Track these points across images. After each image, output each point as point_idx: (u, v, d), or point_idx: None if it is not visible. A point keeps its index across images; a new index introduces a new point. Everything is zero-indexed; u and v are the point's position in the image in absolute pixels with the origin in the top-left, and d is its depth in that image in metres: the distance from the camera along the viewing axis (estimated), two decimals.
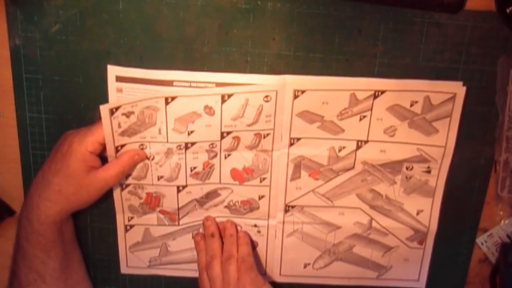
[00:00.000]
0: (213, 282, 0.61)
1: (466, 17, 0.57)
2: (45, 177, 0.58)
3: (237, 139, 0.61)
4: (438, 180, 0.64)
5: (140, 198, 0.64)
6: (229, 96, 0.58)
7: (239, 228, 0.67)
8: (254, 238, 0.67)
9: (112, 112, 0.56)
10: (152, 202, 0.64)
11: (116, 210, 0.65)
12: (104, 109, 0.56)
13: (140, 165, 0.61)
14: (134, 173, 0.61)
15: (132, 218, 0.65)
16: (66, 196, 0.57)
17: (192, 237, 0.67)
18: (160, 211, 0.65)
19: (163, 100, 0.57)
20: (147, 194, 0.63)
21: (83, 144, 0.56)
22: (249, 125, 0.60)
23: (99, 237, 0.67)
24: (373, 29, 0.58)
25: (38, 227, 0.58)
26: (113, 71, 0.59)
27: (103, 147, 0.58)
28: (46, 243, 0.59)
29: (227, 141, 0.61)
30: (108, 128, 0.56)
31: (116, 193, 0.63)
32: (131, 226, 0.66)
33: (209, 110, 0.58)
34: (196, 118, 0.58)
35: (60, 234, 0.60)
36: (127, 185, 0.62)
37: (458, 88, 0.59)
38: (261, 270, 0.69)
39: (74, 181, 0.57)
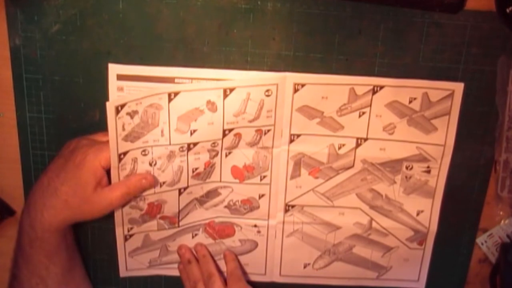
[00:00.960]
0: None
1: (466, 17, 0.58)
2: (51, 184, 0.57)
3: (238, 136, 0.61)
4: (438, 180, 0.64)
5: (141, 210, 0.63)
6: (231, 90, 0.58)
7: (238, 228, 0.67)
8: (254, 238, 0.67)
9: (117, 111, 0.55)
10: (153, 211, 0.63)
11: (116, 224, 0.64)
12: (110, 106, 0.55)
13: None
14: None
15: (131, 228, 0.65)
16: (71, 206, 0.57)
17: (192, 237, 0.67)
18: (161, 217, 0.65)
19: (166, 97, 0.57)
20: (149, 204, 0.63)
21: (98, 158, 0.56)
22: (250, 121, 0.60)
23: (99, 237, 0.67)
24: (373, 29, 0.58)
25: (42, 234, 0.57)
26: (114, 69, 0.59)
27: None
28: (50, 249, 0.59)
29: (229, 139, 0.61)
30: (113, 130, 0.56)
31: (117, 210, 0.62)
32: (131, 235, 0.66)
33: (211, 106, 0.58)
34: (198, 115, 0.58)
35: (64, 240, 0.60)
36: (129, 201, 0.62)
37: (456, 85, 0.60)
38: (261, 270, 0.69)
39: (82, 194, 0.56)
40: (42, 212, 0.57)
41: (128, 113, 0.56)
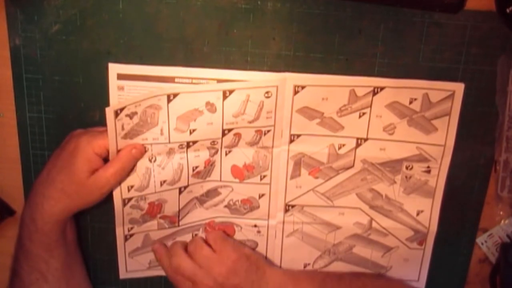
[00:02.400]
0: (193, 276, 0.60)
1: (466, 17, 0.58)
2: (49, 174, 0.58)
3: (238, 135, 0.61)
4: (438, 180, 0.64)
5: (141, 210, 0.63)
6: (231, 92, 0.58)
7: (238, 228, 0.67)
8: (254, 238, 0.67)
9: (116, 114, 0.56)
10: (153, 211, 0.63)
11: (116, 224, 0.64)
12: (109, 112, 0.55)
13: (142, 171, 0.60)
14: (137, 184, 0.60)
15: (132, 228, 0.65)
16: (69, 194, 0.57)
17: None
18: (161, 217, 0.65)
19: (165, 98, 0.57)
20: (149, 204, 0.63)
21: (91, 145, 0.56)
22: (250, 122, 0.60)
23: (99, 237, 0.67)
24: (373, 29, 0.58)
25: (42, 226, 0.58)
26: (114, 69, 0.59)
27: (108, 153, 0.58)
28: (49, 243, 0.59)
29: (228, 138, 0.61)
30: (112, 132, 0.56)
31: (118, 209, 0.62)
32: (131, 235, 0.66)
33: (210, 107, 0.58)
34: (197, 116, 0.58)
35: (63, 234, 0.60)
36: (129, 199, 0.62)
37: (457, 86, 0.60)
38: None
39: (77, 180, 0.56)
40: (42, 203, 0.57)
41: (127, 115, 0.56)
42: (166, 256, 0.63)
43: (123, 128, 0.57)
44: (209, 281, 0.60)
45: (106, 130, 0.56)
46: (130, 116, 0.56)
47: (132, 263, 0.68)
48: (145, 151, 0.59)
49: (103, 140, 0.56)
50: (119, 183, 0.60)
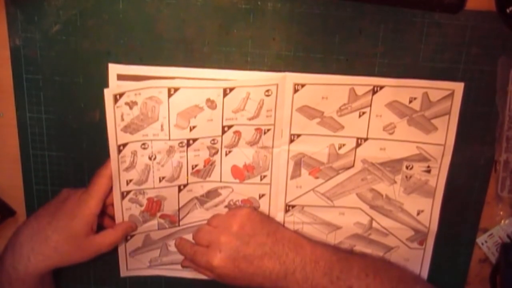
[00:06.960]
0: (209, 235, 0.62)
1: (466, 17, 0.58)
2: (42, 231, 0.58)
3: (238, 134, 0.61)
4: (438, 180, 0.64)
5: (140, 205, 0.63)
6: (231, 89, 0.58)
7: None
8: None
9: (116, 99, 0.55)
10: (153, 208, 0.63)
11: (116, 222, 0.63)
12: (108, 94, 0.55)
13: (142, 167, 0.60)
14: (136, 178, 0.61)
15: None
16: (61, 253, 0.58)
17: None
18: (161, 216, 0.65)
19: (166, 92, 0.57)
20: (148, 199, 0.63)
21: (88, 206, 0.58)
22: (250, 119, 0.60)
23: None
24: (373, 29, 0.58)
25: (23, 277, 0.58)
26: (114, 69, 0.59)
27: (105, 201, 0.60)
28: None
29: (228, 136, 0.61)
30: (111, 119, 0.56)
31: (117, 203, 0.62)
32: (132, 236, 0.65)
33: (211, 104, 0.58)
34: (198, 112, 0.58)
35: (42, 282, 0.60)
36: (128, 192, 0.62)
37: (456, 85, 0.60)
38: None
39: (73, 242, 0.58)
40: (29, 256, 0.57)
41: (126, 103, 0.56)
42: (189, 246, 0.65)
43: (122, 119, 0.57)
44: (224, 235, 0.61)
45: (92, 187, 0.58)
46: (130, 105, 0.56)
47: (132, 262, 0.68)
48: (136, 227, 0.63)
49: (95, 199, 0.58)
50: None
